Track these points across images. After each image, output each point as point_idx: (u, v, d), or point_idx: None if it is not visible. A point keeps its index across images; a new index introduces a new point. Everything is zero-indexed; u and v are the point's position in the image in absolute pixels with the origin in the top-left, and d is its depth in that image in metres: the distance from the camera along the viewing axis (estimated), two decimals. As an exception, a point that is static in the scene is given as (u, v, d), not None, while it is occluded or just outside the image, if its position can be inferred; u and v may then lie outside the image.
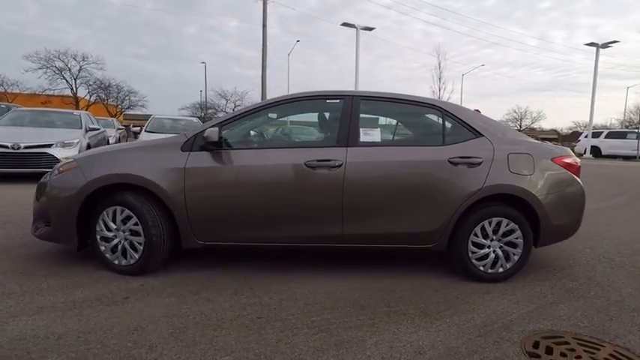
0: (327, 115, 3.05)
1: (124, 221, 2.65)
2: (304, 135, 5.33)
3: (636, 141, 17.39)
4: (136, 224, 2.62)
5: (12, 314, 2.09)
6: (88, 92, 34.21)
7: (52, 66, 31.08)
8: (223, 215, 2.64)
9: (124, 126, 17.19)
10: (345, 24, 17.85)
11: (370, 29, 18.27)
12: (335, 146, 2.71)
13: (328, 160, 2.64)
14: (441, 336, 2.05)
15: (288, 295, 2.48)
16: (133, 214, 2.61)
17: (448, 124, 2.88)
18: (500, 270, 2.80)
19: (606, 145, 18.46)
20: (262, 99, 18.73)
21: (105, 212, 2.66)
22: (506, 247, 2.79)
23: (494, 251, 2.79)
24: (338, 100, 2.87)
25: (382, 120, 3.16)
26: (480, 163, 2.72)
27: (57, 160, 6.59)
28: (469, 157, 2.72)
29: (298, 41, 30.92)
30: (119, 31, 68.91)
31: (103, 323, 2.03)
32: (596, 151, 18.15)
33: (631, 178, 10.33)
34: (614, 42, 17.55)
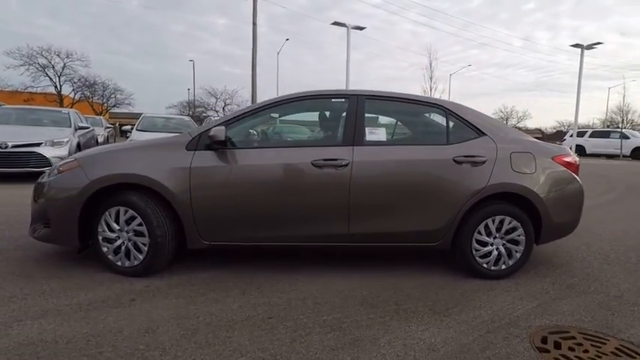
0: (332, 114, 3.04)
1: (128, 222, 2.60)
2: (295, 134, 5.31)
3: (619, 140, 17.88)
4: (140, 225, 2.57)
5: (16, 318, 2.03)
6: (73, 90, 33.43)
7: (35, 63, 30.26)
8: (229, 215, 2.61)
9: (112, 124, 16.83)
10: (335, 23, 17.85)
11: (361, 29, 18.31)
12: (341, 145, 2.71)
13: (335, 160, 2.64)
14: (452, 333, 2.08)
15: (296, 295, 2.47)
16: (137, 215, 2.56)
17: (451, 124, 2.91)
18: (503, 267, 2.85)
19: (590, 144, 18.93)
20: (252, 98, 18.57)
21: (107, 213, 2.61)
22: (508, 245, 2.84)
23: (497, 249, 2.83)
24: (343, 100, 2.87)
25: (386, 119, 3.17)
26: (483, 162, 2.75)
27: (46, 160, 6.44)
28: (473, 156, 2.75)
29: (287, 40, 30.81)
30: (104, 28, 67.53)
31: (112, 326, 1.99)
32: (580, 150, 18.58)
33: (616, 176, 10.61)
34: (598, 43, 18.01)
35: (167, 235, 2.59)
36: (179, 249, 2.72)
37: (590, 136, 19.28)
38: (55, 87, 31.99)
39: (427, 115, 3.09)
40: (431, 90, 23.33)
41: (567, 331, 2.15)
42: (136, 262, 2.61)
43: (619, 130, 19.12)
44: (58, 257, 2.96)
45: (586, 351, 1.96)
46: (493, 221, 2.80)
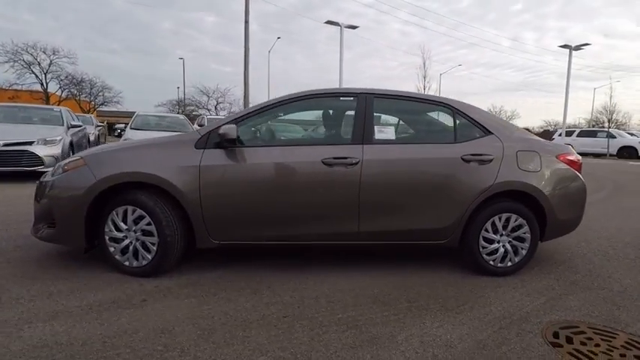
0: (341, 112, 3.04)
1: (136, 221, 2.56)
2: (289, 133, 5.30)
3: (606, 140, 18.30)
4: (148, 224, 2.53)
5: (26, 320, 1.98)
6: (60, 87, 32.74)
7: (20, 59, 29.56)
8: (239, 213, 2.59)
9: (101, 123, 16.51)
10: (329, 22, 17.84)
11: (354, 27, 18.33)
12: (351, 144, 2.72)
13: (345, 158, 2.64)
14: (466, 329, 2.10)
15: (308, 293, 2.47)
16: (145, 214, 2.53)
17: (458, 122, 2.94)
18: (509, 264, 2.89)
19: (578, 144, 19.30)
20: (245, 97, 18.42)
21: (114, 212, 2.56)
22: (514, 242, 2.88)
23: (503, 246, 2.87)
24: (352, 98, 2.87)
25: (394, 117, 3.18)
26: (490, 161, 2.79)
27: (39, 159, 6.31)
28: (481, 155, 2.78)
29: (279, 38, 30.68)
30: (90, 25, 66.25)
31: (127, 327, 1.96)
32: (568, 149, 18.91)
33: (604, 175, 10.85)
34: (586, 44, 18.41)
35: (176, 234, 2.56)
36: (187, 248, 2.70)
37: (577, 136, 19.67)
38: (41, 84, 31.29)
39: (434, 113, 3.11)
40: (424, 89, 23.48)
41: (577, 326, 2.20)
42: (144, 262, 2.58)
43: (606, 129, 19.55)
44: (60, 257, 2.90)
45: (597, 345, 2.01)
46: (500, 219, 2.83)
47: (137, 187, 2.56)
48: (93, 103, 37.73)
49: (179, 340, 1.86)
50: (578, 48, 18.76)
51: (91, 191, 2.49)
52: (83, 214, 2.51)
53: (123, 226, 2.57)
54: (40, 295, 2.28)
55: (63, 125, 7.35)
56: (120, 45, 73.25)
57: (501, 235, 2.86)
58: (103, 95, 37.62)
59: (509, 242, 2.87)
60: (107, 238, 2.60)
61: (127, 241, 2.59)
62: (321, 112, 3.11)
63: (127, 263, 2.60)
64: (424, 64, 23.95)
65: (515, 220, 2.84)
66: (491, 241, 2.85)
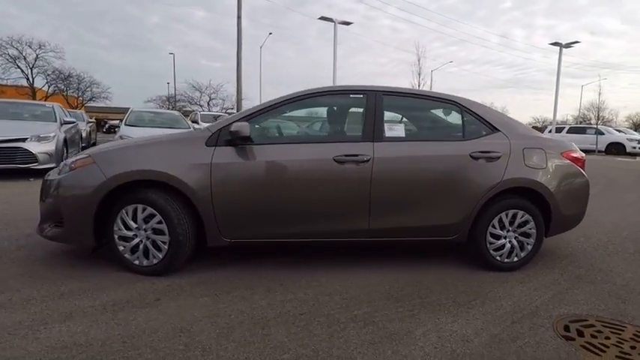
0: (351, 110, 3.05)
1: (146, 220, 2.53)
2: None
3: (594, 136, 18.64)
4: (159, 222, 2.51)
5: (41, 321, 1.95)
6: (47, 83, 32.04)
7: (5, 54, 28.85)
8: (251, 211, 2.58)
9: (91, 119, 16.17)
10: (323, 18, 17.76)
11: (348, 24, 18.29)
12: (361, 141, 2.72)
13: (357, 155, 2.64)
14: (480, 324, 2.14)
15: (321, 291, 2.48)
16: (156, 212, 2.50)
17: (466, 120, 2.96)
18: (516, 259, 2.94)
19: (568, 140, 19.63)
20: (238, 93, 18.27)
21: (124, 210, 2.53)
22: (521, 238, 2.93)
23: (509, 242, 2.92)
24: (361, 95, 2.88)
25: (403, 115, 3.19)
26: (498, 158, 2.82)
27: (32, 156, 6.18)
28: (489, 152, 2.82)
29: (271, 34, 30.34)
30: (77, 19, 64.79)
31: (144, 326, 1.95)
32: (558, 145, 19.22)
33: (594, 171, 11.06)
34: (576, 42, 18.70)
35: (187, 232, 2.54)
36: (197, 247, 2.68)
37: (567, 132, 19.99)
38: (27, 79, 30.61)
39: (442, 111, 3.13)
40: (419, 86, 23.57)
41: (586, 320, 2.25)
42: (155, 261, 2.55)
43: (594, 126, 19.91)
44: (66, 257, 2.86)
45: (607, 338, 2.06)
46: (507, 215, 2.88)
47: (147, 185, 2.53)
48: (81, 98, 37.01)
49: (199, 340, 1.85)
50: (568, 46, 19.05)
51: (100, 189, 2.46)
52: (92, 212, 2.47)
53: (133, 224, 2.54)
54: (51, 296, 2.24)
55: (56, 122, 7.19)
56: (108, 40, 71.82)
57: (508, 231, 2.90)
58: (91, 91, 36.97)
59: (516, 238, 2.92)
60: (116, 236, 2.57)
61: (136, 240, 2.56)
62: (331, 109, 3.10)
63: (136, 262, 2.58)
64: (419, 60, 24.02)
65: (522, 217, 2.89)
66: (498, 237, 2.90)
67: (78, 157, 2.65)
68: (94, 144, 13.50)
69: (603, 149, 18.78)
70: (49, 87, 32.44)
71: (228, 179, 2.55)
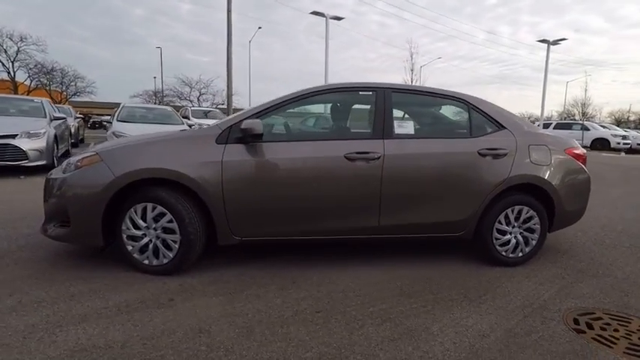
0: (361, 107, 3.04)
1: (156, 219, 2.49)
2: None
3: (580, 132, 19.06)
4: (170, 221, 2.47)
5: (55, 324, 1.91)
6: (29, 77, 31.12)
7: (-16, 46, 27.87)
8: (262, 209, 2.57)
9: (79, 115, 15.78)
10: (314, 12, 17.66)
11: (339, 19, 18.23)
12: (372, 138, 2.73)
13: (367, 153, 2.65)
14: (494, 319, 2.18)
15: (333, 288, 2.49)
16: (166, 211, 2.46)
17: (473, 117, 2.99)
18: (520, 255, 3.00)
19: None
20: (228, 88, 18.07)
21: (133, 209, 2.49)
22: (525, 233, 2.98)
23: (515, 237, 2.97)
24: (370, 93, 2.88)
25: (411, 112, 3.20)
26: (505, 155, 2.86)
27: (23, 152, 6.01)
28: (496, 149, 2.86)
29: (260, 28, 30.13)
30: (57, 10, 62.86)
31: (162, 327, 1.92)
32: (545, 141, 19.59)
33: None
34: (563, 39, 19.06)
35: (198, 231, 2.51)
36: (207, 245, 2.65)
37: (554, 128, 20.39)
38: (8, 73, 29.66)
39: (450, 108, 3.16)
40: (411, 82, 23.67)
41: (594, 313, 2.32)
42: (165, 261, 2.52)
43: (580, 122, 20.35)
44: (70, 257, 2.80)
45: (616, 330, 2.12)
46: (512, 211, 2.92)
47: (156, 183, 2.49)
48: (65, 93, 36.08)
49: (219, 340, 1.84)
50: (556, 43, 19.39)
51: (109, 188, 2.41)
52: (101, 212, 2.42)
53: (142, 223, 2.50)
54: (61, 297, 2.19)
55: (46, 117, 7.00)
56: (91, 32, 70.01)
57: (513, 226, 2.96)
58: (75, 85, 36.07)
59: (521, 233, 2.98)
60: (125, 236, 2.52)
61: (146, 239, 2.52)
62: (341, 106, 3.09)
63: (146, 262, 2.54)
64: (412, 56, 24.09)
65: (527, 212, 2.94)
66: (504, 233, 2.95)
67: (84, 155, 2.59)
68: (82, 140, 13.18)
69: (589, 145, 19.22)
70: (31, 81, 31.53)
71: (240, 177, 2.53)
